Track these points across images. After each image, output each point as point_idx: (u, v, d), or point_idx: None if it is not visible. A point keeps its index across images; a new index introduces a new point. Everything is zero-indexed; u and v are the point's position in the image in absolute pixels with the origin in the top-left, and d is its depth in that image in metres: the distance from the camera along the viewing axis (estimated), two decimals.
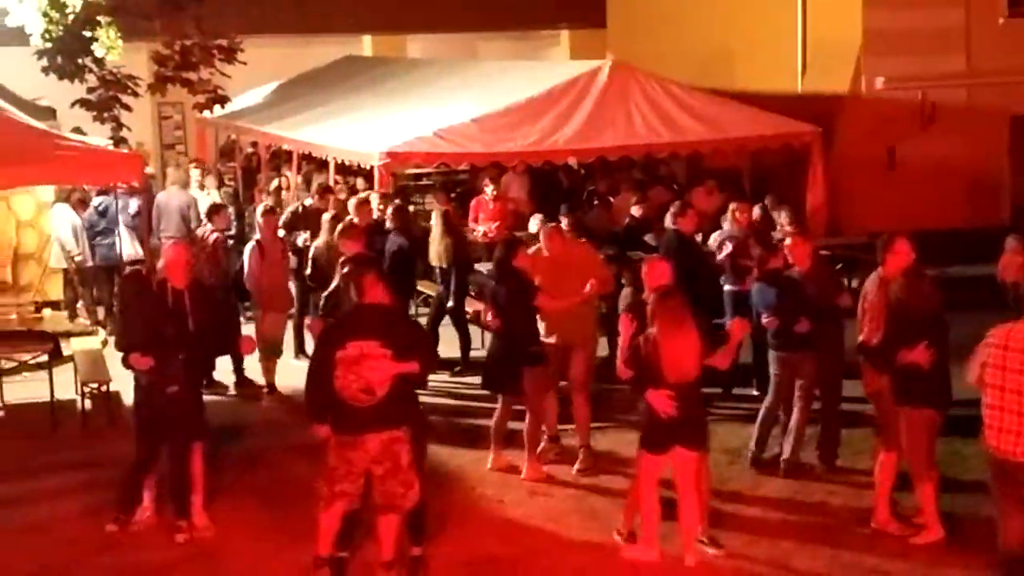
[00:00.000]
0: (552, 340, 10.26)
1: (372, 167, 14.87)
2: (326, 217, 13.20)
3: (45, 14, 15.79)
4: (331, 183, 16.47)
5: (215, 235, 12.89)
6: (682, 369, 7.92)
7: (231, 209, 16.03)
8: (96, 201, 15.29)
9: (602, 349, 13.02)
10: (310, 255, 12.89)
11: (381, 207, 13.74)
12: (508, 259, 10.02)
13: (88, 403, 11.65)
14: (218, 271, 12.65)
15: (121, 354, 8.98)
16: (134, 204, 15.11)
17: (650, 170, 18.51)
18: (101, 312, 15.09)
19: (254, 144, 20.39)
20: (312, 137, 16.86)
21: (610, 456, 10.30)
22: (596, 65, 16.22)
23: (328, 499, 7.68)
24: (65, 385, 11.91)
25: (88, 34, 15.97)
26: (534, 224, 12.86)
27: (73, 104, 16.55)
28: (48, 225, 15.09)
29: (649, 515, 8.29)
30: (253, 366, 12.66)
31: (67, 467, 10.31)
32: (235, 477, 10.03)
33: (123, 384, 10.43)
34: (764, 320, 10.09)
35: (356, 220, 12.64)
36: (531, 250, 10.45)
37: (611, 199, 16.46)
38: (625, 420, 11.09)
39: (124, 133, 16.50)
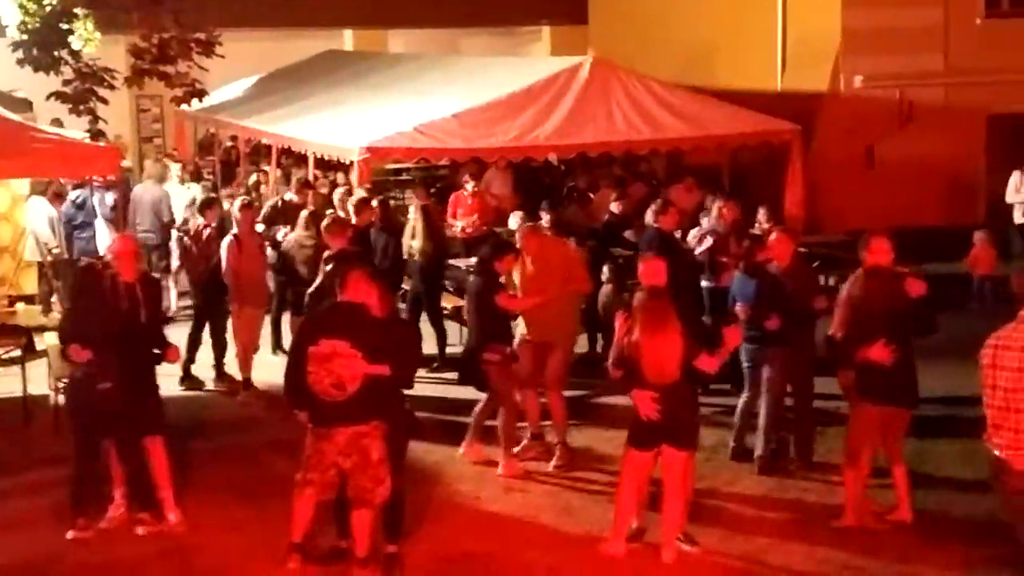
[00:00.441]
0: (530, 337, 10.27)
1: (352, 162, 14.84)
2: (304, 214, 13.16)
3: (21, 5, 15.72)
4: (310, 178, 16.43)
5: (207, 230, 12.83)
6: (662, 371, 7.90)
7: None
8: (74, 194, 15.23)
9: (581, 345, 13.06)
10: (281, 248, 12.87)
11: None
12: (491, 259, 10.04)
13: (61, 398, 11.54)
14: (210, 266, 12.58)
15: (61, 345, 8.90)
16: (111, 197, 15.04)
17: (630, 167, 18.52)
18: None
19: (233, 138, 20.33)
20: (292, 132, 16.82)
21: (587, 453, 10.31)
22: (577, 61, 16.22)
23: (300, 485, 7.81)
24: (38, 380, 11.84)
25: (65, 26, 15.89)
26: (514, 221, 12.86)
27: (49, 96, 16.46)
28: (23, 218, 14.99)
29: (621, 510, 8.30)
30: (230, 361, 12.62)
31: (40, 463, 10.22)
32: (211, 472, 9.99)
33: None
34: (737, 308, 10.13)
35: (355, 219, 12.62)
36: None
37: (591, 195, 16.47)
38: (603, 416, 11.14)
39: (101, 126, 16.42)
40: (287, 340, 12.56)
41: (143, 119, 24.91)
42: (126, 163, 17.41)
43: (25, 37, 15.96)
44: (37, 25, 15.83)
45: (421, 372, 12.60)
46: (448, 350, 13.33)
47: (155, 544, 8.63)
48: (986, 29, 19.85)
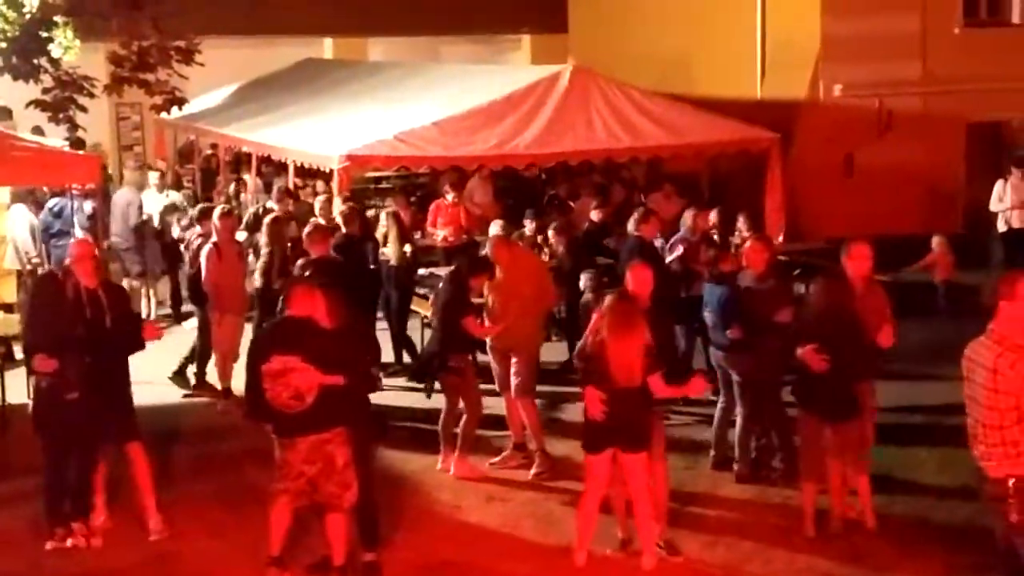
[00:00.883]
0: (494, 344, 10.31)
1: (332, 170, 14.82)
2: (266, 220, 13.15)
3: (0, 14, 15.64)
4: (291, 186, 16.41)
5: (199, 239, 12.79)
6: (625, 374, 7.92)
7: (192, 212, 15.93)
8: (51, 203, 15.16)
9: (561, 353, 13.08)
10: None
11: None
12: (466, 274, 10.05)
13: None
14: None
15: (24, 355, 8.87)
16: (89, 206, 14.99)
17: (610, 174, 18.55)
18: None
19: (213, 146, 20.28)
20: (271, 139, 16.79)
21: (568, 461, 10.28)
22: (557, 70, 16.24)
23: (273, 495, 7.89)
24: (17, 389, 11.78)
25: (44, 34, 15.83)
26: (494, 229, 12.84)
27: (28, 105, 16.40)
28: (3, 226, 14.92)
29: (581, 518, 8.30)
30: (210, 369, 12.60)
31: (17, 472, 10.14)
32: (191, 480, 9.96)
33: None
34: (705, 315, 10.16)
35: (345, 228, 12.60)
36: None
37: (571, 203, 16.49)
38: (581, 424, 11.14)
39: (80, 134, 16.36)
40: None
41: (123, 127, 24.80)
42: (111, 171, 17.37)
43: (4, 45, 15.88)
44: (16, 33, 15.76)
45: (400, 380, 12.77)
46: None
47: (136, 552, 8.59)
48: (964, 37, 19.96)
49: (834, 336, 8.39)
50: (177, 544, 8.74)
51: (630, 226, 12.62)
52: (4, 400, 11.57)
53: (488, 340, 10.38)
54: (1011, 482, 6.24)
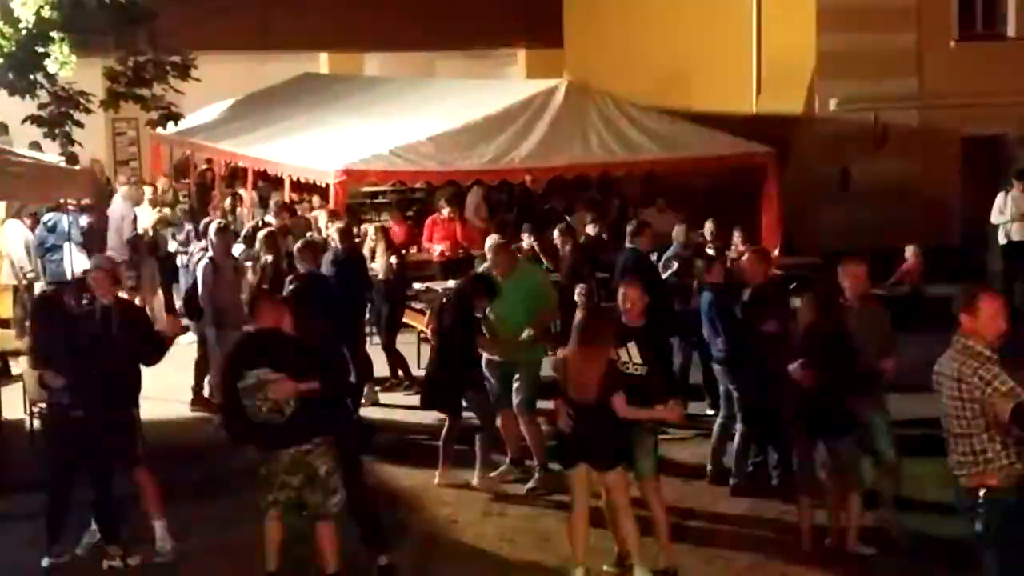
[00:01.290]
0: (496, 358, 10.27)
1: (328, 184, 14.82)
2: (261, 235, 13.16)
3: None
4: (286, 200, 16.41)
5: (201, 253, 12.79)
6: (580, 389, 7.92)
7: (188, 227, 15.93)
8: (46, 217, 15.14)
9: None
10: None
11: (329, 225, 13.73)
12: (471, 294, 10.03)
13: (36, 423, 11.47)
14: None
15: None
16: (84, 220, 14.98)
17: (606, 189, 18.56)
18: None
19: (209, 161, 20.28)
20: (267, 154, 16.80)
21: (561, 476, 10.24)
22: (552, 84, 16.29)
23: (262, 510, 7.91)
24: (13, 404, 11.73)
25: (40, 49, 15.82)
26: (491, 243, 12.81)
27: (24, 120, 16.39)
28: None
29: (569, 533, 8.26)
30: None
31: (14, 488, 10.12)
32: (188, 497, 9.90)
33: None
34: (703, 330, 10.18)
35: (340, 245, 12.60)
36: None
37: (567, 218, 16.47)
38: None
39: (76, 149, 16.35)
40: None
41: (119, 142, 24.85)
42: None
43: (0, 60, 15.88)
44: (12, 48, 15.75)
45: (399, 395, 12.75)
46: (421, 372, 13.34)
47: (134, 570, 8.55)
48: (960, 52, 20.00)
49: (822, 351, 8.38)
50: (174, 561, 8.70)
51: (626, 240, 12.62)
52: (0, 416, 11.52)
53: (488, 355, 10.33)
54: (981, 492, 6.33)
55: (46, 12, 15.21)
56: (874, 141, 19.57)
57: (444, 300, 10.93)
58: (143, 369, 8.95)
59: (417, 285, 14.57)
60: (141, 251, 16.03)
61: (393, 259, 13.42)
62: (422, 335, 13.98)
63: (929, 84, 19.75)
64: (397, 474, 10.44)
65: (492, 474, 10.29)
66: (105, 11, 16.14)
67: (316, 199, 17.21)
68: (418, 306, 14.31)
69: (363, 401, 11.77)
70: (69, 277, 14.33)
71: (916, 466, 9.91)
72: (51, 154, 15.29)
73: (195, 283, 12.47)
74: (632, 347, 8.19)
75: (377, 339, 13.65)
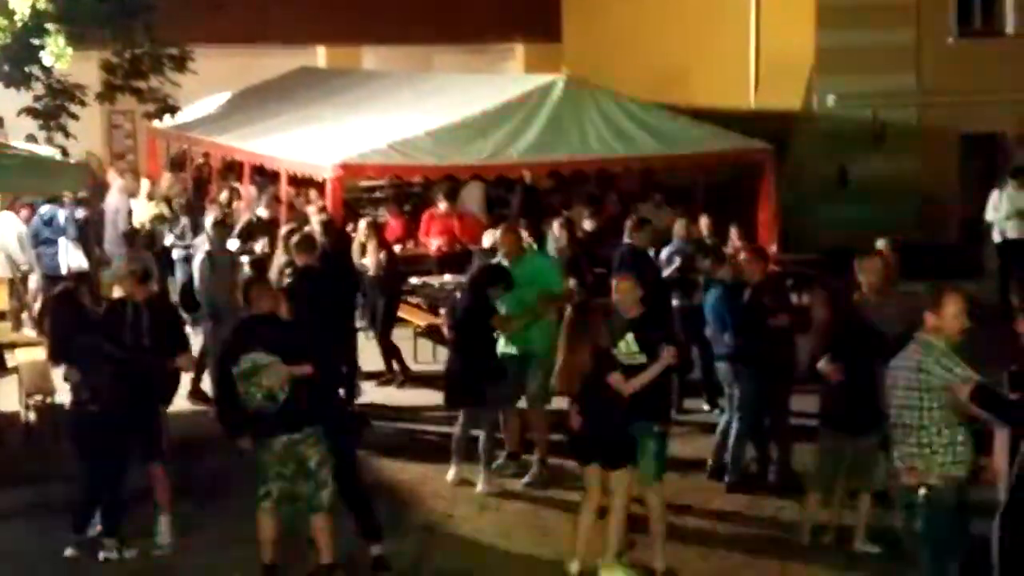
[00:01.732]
0: (514, 351, 10.24)
1: (325, 179, 14.78)
2: (283, 232, 13.11)
3: None
4: (282, 194, 16.37)
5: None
6: (565, 383, 8.05)
7: (184, 220, 15.89)
8: (43, 210, 15.10)
9: None
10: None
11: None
12: (484, 283, 10.00)
13: (32, 415, 11.46)
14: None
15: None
16: (80, 213, 14.94)
17: (604, 185, 18.53)
18: (47, 323, 14.85)
19: (205, 155, 20.24)
20: (264, 149, 16.75)
21: (561, 470, 10.21)
22: (550, 79, 16.23)
23: (257, 501, 7.94)
24: (9, 397, 11.71)
25: (36, 41, 15.75)
26: (487, 239, 12.81)
27: (20, 112, 16.35)
28: None
29: (574, 524, 8.30)
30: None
31: (11, 482, 10.10)
32: (185, 491, 9.85)
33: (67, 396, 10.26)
34: (706, 331, 10.15)
35: (323, 240, 12.58)
36: None
37: (563, 212, 16.43)
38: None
39: (72, 142, 16.32)
40: None
41: (115, 135, 24.79)
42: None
43: None
44: (8, 41, 15.68)
45: (391, 389, 12.72)
46: (418, 367, 13.34)
47: (129, 564, 8.53)
48: (958, 49, 19.98)
49: (851, 346, 8.38)
50: (171, 556, 8.69)
51: (625, 235, 12.59)
52: None
53: (502, 347, 10.28)
54: (922, 491, 6.41)
55: (42, 4, 15.15)
56: (872, 138, 19.56)
57: (458, 295, 10.91)
58: None
59: (414, 280, 14.54)
60: (137, 245, 16.00)
61: (383, 254, 13.37)
62: (417, 330, 13.97)
63: (928, 81, 19.74)
64: (393, 468, 10.42)
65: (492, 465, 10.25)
66: (102, 3, 16.09)
67: (313, 193, 17.17)
68: (414, 301, 14.30)
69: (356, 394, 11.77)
70: (64, 271, 14.34)
71: None
72: (44, 147, 15.24)
73: (191, 277, 12.43)
74: (630, 337, 8.17)
75: (371, 333, 13.63)
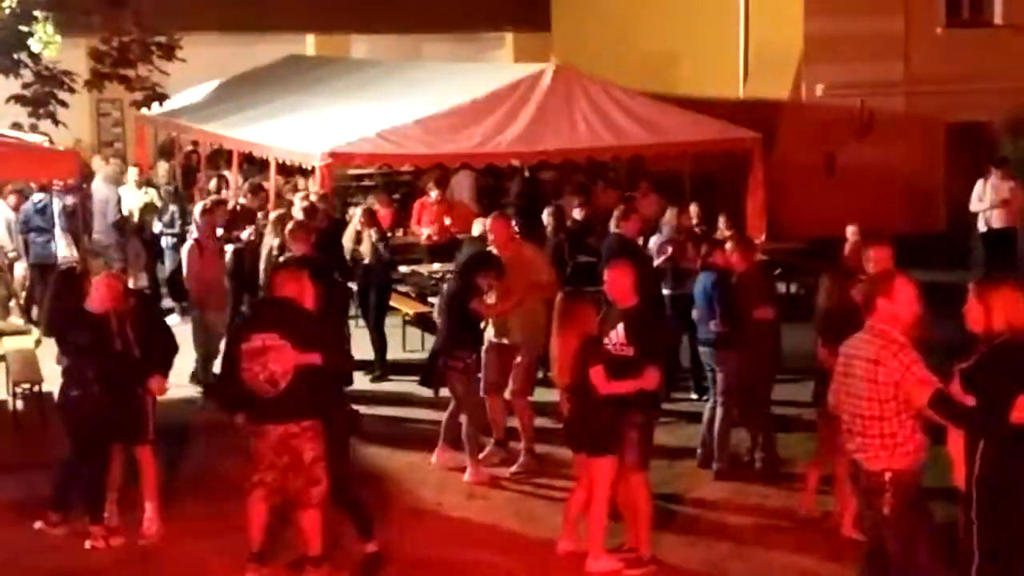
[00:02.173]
0: (504, 341, 10.26)
1: (314, 167, 14.78)
2: (273, 216, 13.12)
3: None
4: (272, 182, 16.37)
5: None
6: (558, 372, 8.15)
7: (173, 207, 15.90)
8: (36, 198, 15.06)
9: None
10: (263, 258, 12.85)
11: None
12: (474, 270, 10.02)
13: (20, 403, 11.46)
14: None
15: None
16: (70, 200, 14.92)
17: (596, 173, 18.56)
18: (35, 311, 14.86)
19: (194, 143, 20.21)
20: (253, 137, 16.74)
21: (549, 459, 10.26)
22: (540, 68, 16.24)
23: (249, 489, 7.88)
24: None
25: (24, 29, 15.71)
26: (477, 227, 12.82)
27: (8, 100, 16.31)
28: None
29: (565, 510, 8.43)
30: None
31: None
32: (172, 479, 9.89)
33: (56, 385, 10.27)
34: (693, 311, 10.22)
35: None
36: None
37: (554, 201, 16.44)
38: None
39: (61, 130, 16.27)
40: None
41: (103, 123, 24.74)
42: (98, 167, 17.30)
43: None
44: None
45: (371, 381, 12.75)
46: (406, 356, 13.35)
47: (116, 550, 8.55)
48: (947, 38, 20.05)
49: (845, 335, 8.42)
50: (157, 543, 8.69)
51: (612, 224, 12.62)
52: None
53: (489, 338, 10.30)
54: (887, 475, 6.40)
55: None
56: (860, 127, 19.62)
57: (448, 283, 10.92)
58: None
59: (403, 268, 14.55)
60: (127, 233, 16.01)
61: (381, 245, 13.37)
62: (407, 318, 13.99)
63: (915, 70, 19.80)
64: (380, 456, 10.45)
65: (479, 456, 10.28)
66: None
67: (302, 181, 17.18)
68: (403, 289, 14.32)
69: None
70: (59, 260, 14.33)
71: None
72: (33, 134, 15.19)
73: (180, 265, 12.44)
74: (621, 328, 8.20)
75: (361, 322, 13.65)
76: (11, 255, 14.76)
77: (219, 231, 13.69)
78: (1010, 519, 6.14)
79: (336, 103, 17.46)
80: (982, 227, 17.05)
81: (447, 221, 16.11)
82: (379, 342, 13.29)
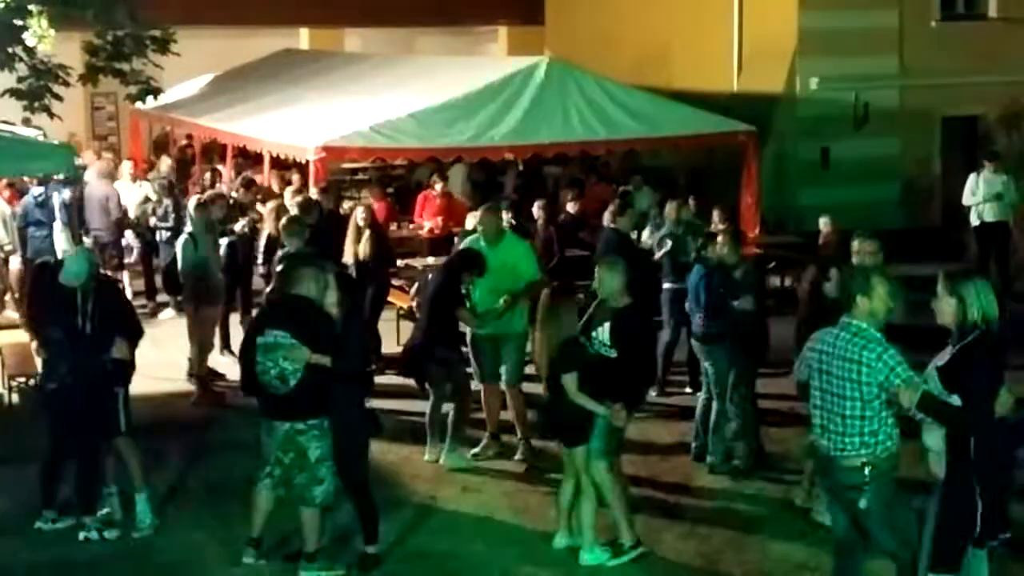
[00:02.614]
0: (489, 332, 10.26)
1: (307, 161, 14.78)
2: (270, 206, 13.12)
3: None
4: (265, 176, 16.37)
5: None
6: (538, 366, 8.25)
7: (167, 201, 15.88)
8: (36, 191, 15.01)
9: None
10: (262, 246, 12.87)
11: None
12: (460, 267, 10.03)
13: (16, 397, 11.46)
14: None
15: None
16: (67, 194, 14.90)
17: (586, 167, 18.57)
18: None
19: (189, 136, 20.21)
20: (247, 130, 16.74)
21: (543, 452, 10.26)
22: (533, 62, 16.24)
23: (260, 478, 7.92)
24: None
25: (19, 22, 15.68)
26: (470, 221, 12.82)
27: (3, 93, 16.29)
28: None
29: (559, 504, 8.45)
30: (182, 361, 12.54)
31: None
32: (167, 472, 9.90)
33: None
34: (687, 304, 10.25)
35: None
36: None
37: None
38: None
39: (56, 123, 16.26)
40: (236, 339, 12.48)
41: (97, 117, 24.72)
42: (81, 161, 17.22)
43: None
44: None
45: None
46: (399, 350, 13.33)
47: (114, 543, 8.55)
48: (941, 32, 20.07)
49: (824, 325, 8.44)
50: (155, 536, 8.70)
51: (606, 219, 12.62)
52: None
53: (468, 326, 10.31)
54: (867, 470, 6.44)
55: None
56: (855, 120, 19.63)
57: (429, 276, 10.91)
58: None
59: (399, 262, 14.55)
60: (125, 230, 16.02)
61: (377, 241, 13.34)
62: (401, 312, 13.99)
63: (910, 64, 19.82)
64: (375, 450, 10.35)
65: (475, 450, 10.29)
66: None
67: (296, 177, 17.16)
68: (398, 283, 14.31)
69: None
70: (60, 255, 14.28)
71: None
72: (26, 128, 15.18)
73: (174, 259, 12.42)
74: (606, 327, 8.19)
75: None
76: (7, 249, 14.73)
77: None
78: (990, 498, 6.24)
79: (330, 97, 17.47)
80: (974, 220, 17.06)
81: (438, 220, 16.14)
82: (374, 338, 13.29)
